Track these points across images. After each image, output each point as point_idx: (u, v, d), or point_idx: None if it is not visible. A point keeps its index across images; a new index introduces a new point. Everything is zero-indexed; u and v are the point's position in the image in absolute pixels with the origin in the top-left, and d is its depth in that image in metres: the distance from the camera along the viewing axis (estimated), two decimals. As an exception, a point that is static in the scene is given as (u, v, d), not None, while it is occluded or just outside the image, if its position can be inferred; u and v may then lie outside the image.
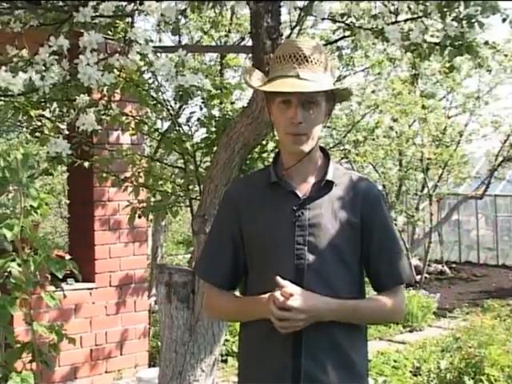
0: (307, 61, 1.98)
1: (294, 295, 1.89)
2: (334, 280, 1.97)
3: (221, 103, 3.56)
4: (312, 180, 2.04)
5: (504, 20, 2.91)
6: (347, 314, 1.98)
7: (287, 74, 1.97)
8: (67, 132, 3.38)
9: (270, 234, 2.01)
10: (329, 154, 2.11)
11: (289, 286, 1.90)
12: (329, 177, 2.03)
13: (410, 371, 6.08)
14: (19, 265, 3.14)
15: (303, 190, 2.03)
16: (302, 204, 2.01)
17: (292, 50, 2.00)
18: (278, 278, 1.91)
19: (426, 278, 11.11)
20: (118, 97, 3.57)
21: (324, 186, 2.03)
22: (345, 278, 2.00)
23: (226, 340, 6.23)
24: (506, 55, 5.99)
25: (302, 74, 1.96)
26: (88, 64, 2.49)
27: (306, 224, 1.99)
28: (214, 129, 3.46)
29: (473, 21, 2.77)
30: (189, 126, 3.69)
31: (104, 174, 3.75)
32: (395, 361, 6.20)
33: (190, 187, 3.60)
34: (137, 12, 2.77)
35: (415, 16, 3.02)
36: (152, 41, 2.70)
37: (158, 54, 2.71)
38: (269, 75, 2.05)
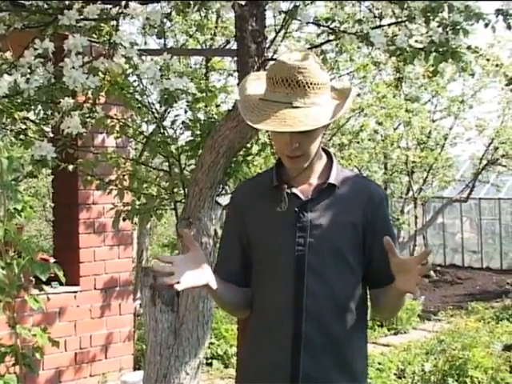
0: (299, 85, 1.90)
1: None
2: (335, 282, 1.97)
3: (206, 106, 3.56)
4: (314, 182, 2.05)
5: (486, 25, 2.93)
6: None
7: (279, 100, 1.91)
8: (52, 135, 3.36)
9: (271, 235, 2.03)
10: (332, 156, 2.10)
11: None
12: (331, 180, 2.03)
13: (395, 374, 6.10)
14: (3, 268, 3.12)
15: (305, 192, 2.03)
16: (304, 206, 2.01)
17: (284, 73, 1.91)
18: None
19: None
20: (102, 100, 3.55)
21: (326, 189, 2.03)
22: (346, 279, 2.00)
23: (211, 343, 6.24)
24: (488, 60, 6.01)
25: (295, 102, 1.89)
26: (73, 67, 2.48)
27: (307, 226, 1.99)
28: (198, 132, 3.44)
29: (457, 27, 2.80)
30: (174, 129, 3.67)
31: (89, 177, 3.73)
32: (380, 363, 6.22)
33: (175, 190, 3.59)
34: (122, 15, 2.74)
35: (399, 20, 3.03)
36: (137, 44, 2.71)
37: (143, 58, 2.70)
38: (264, 91, 1.98)
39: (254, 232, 2.07)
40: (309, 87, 1.91)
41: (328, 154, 2.11)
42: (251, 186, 2.20)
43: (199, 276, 1.91)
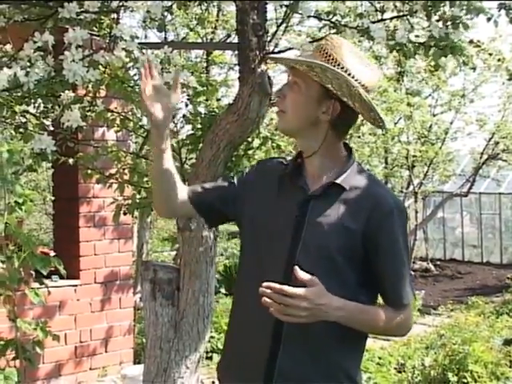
0: (319, 51, 1.97)
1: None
2: (322, 283, 1.87)
3: (206, 100, 3.54)
4: (325, 179, 1.99)
5: (489, 19, 2.92)
6: (354, 314, 1.90)
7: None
8: (52, 128, 3.35)
9: (268, 224, 2.00)
10: (352, 156, 2.04)
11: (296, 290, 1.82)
12: (339, 180, 1.97)
13: (395, 368, 6.09)
14: (3, 261, 3.12)
15: (313, 187, 1.99)
16: (306, 202, 1.97)
17: (328, 46, 1.98)
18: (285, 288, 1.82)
19: (410, 275, 11.16)
20: (103, 93, 3.53)
21: (333, 188, 1.97)
22: (333, 283, 1.90)
23: (211, 337, 6.22)
24: (490, 54, 5.99)
25: (304, 56, 1.99)
26: (73, 60, 2.48)
27: (304, 222, 1.95)
28: (199, 126, 3.44)
29: (457, 22, 2.79)
30: (174, 122, 3.66)
31: (89, 171, 3.73)
32: (380, 357, 6.21)
33: (176, 184, 3.58)
34: (122, 8, 2.79)
35: (401, 14, 3.02)
36: (137, 37, 2.72)
37: (144, 51, 2.68)
38: None
39: (252, 212, 2.05)
40: (324, 55, 1.95)
41: (350, 153, 2.05)
42: (272, 165, 2.14)
43: (161, 110, 1.95)
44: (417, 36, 2.89)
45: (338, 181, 1.97)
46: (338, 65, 1.93)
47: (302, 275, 1.82)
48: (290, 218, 1.97)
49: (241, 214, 2.09)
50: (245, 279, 2.05)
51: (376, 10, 3.10)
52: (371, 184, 2.01)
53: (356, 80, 1.93)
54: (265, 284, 1.80)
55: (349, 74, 1.92)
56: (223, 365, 2.13)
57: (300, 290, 1.80)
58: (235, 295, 2.15)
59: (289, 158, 2.14)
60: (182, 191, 2.10)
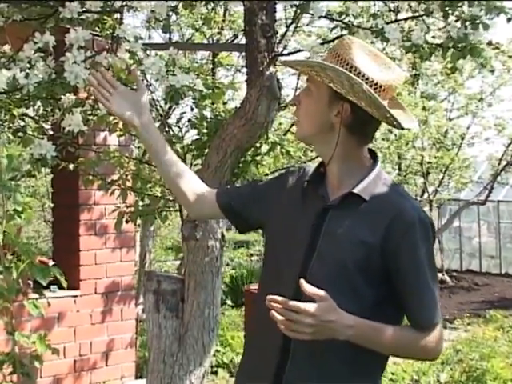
0: (330, 53, 1.94)
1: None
2: (334, 297, 1.79)
3: (213, 104, 3.53)
4: (345, 188, 1.92)
5: (509, 20, 2.88)
6: (366, 334, 1.80)
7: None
8: (52, 132, 3.34)
9: (288, 232, 1.96)
10: (376, 164, 1.96)
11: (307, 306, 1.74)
12: (357, 189, 1.88)
13: (409, 384, 6.02)
14: (1, 272, 3.07)
15: (333, 196, 1.93)
16: (325, 211, 1.91)
17: (342, 50, 1.93)
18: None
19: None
20: (105, 96, 3.50)
21: (352, 198, 1.89)
22: (345, 297, 1.82)
23: (217, 351, 6.20)
24: (510, 56, 5.90)
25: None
26: (75, 62, 2.44)
27: (321, 232, 1.89)
28: (205, 130, 3.42)
29: (477, 22, 2.72)
30: (179, 127, 3.67)
31: (90, 177, 3.76)
32: (393, 373, 6.13)
33: (180, 191, 3.55)
34: (126, 8, 2.75)
35: (416, 15, 2.98)
36: (141, 38, 2.67)
37: (148, 52, 2.67)
38: None
39: (274, 220, 2.03)
40: (335, 57, 1.91)
41: (375, 160, 1.98)
42: (298, 175, 2.09)
43: (131, 111, 2.08)
44: (433, 37, 2.84)
45: (356, 190, 1.89)
46: (347, 64, 1.87)
47: (309, 289, 1.74)
48: (308, 226, 1.93)
49: (264, 221, 2.09)
50: (263, 287, 2.04)
51: (390, 10, 3.06)
52: (394, 195, 1.93)
53: (367, 79, 1.86)
54: (269, 297, 1.74)
55: (358, 73, 1.86)
56: (238, 373, 2.13)
57: (305, 305, 1.72)
58: (256, 303, 2.09)
59: (315, 165, 2.11)
60: (205, 188, 2.20)
